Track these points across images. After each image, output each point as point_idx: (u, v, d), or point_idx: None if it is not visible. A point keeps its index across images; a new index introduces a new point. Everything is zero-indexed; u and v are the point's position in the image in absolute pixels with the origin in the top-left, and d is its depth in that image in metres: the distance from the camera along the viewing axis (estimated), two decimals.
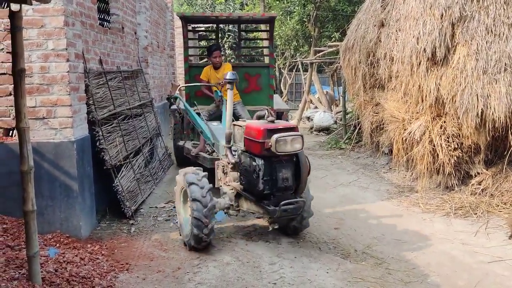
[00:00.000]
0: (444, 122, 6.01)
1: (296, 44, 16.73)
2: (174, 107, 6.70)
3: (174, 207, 5.61)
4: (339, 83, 15.60)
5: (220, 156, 5.00)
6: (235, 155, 4.52)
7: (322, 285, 3.68)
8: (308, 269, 3.96)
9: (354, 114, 9.92)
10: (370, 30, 7.27)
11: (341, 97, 12.20)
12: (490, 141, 5.76)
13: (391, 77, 6.84)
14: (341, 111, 11.53)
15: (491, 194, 5.66)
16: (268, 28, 7.97)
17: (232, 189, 4.51)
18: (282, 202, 3.92)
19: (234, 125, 4.48)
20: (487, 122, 5.50)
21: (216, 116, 6.35)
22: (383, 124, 7.41)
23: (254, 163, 3.99)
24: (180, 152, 7.25)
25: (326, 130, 12.15)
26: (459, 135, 5.91)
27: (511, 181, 5.69)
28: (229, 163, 4.49)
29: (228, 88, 4.37)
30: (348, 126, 10.41)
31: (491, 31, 5.69)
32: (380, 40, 7.05)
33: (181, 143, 7.13)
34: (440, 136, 5.97)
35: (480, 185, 5.82)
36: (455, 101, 5.70)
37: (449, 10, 5.86)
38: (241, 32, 9.84)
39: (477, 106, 5.49)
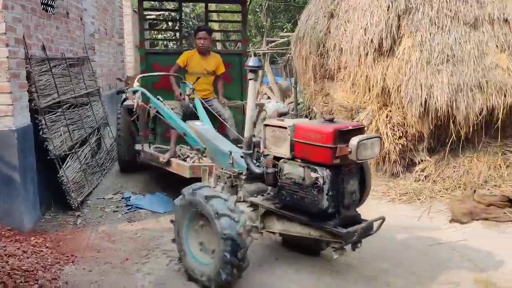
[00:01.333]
0: (390, 111, 6.20)
1: (249, 35, 16.72)
2: (128, 102, 5.93)
3: (124, 198, 5.51)
4: (291, 74, 15.74)
5: (217, 165, 4.08)
6: (256, 163, 3.59)
7: (292, 277, 3.71)
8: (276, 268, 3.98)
9: (305, 104, 10.05)
10: (320, 21, 7.35)
11: (293, 87, 12.32)
12: (433, 129, 5.99)
13: (340, 68, 6.96)
14: (293, 102, 11.64)
15: (434, 181, 5.90)
16: (240, 9, 6.84)
17: (251, 206, 3.54)
18: (362, 225, 3.08)
19: (267, 125, 3.36)
20: (430, 111, 5.72)
21: (189, 114, 5.24)
22: (333, 114, 7.54)
23: (313, 175, 3.00)
24: (130, 158, 6.31)
25: None
26: (404, 124, 6.11)
27: (452, 168, 5.95)
28: (240, 174, 3.63)
29: (250, 79, 3.44)
30: (299, 116, 10.53)
31: (435, 23, 5.91)
32: (329, 31, 7.15)
33: (137, 147, 5.94)
34: (386, 125, 6.15)
35: (424, 172, 6.05)
36: (400, 91, 5.88)
37: (395, 2, 6.02)
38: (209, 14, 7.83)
39: (421, 96, 5.69)
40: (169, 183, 5.68)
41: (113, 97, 9.00)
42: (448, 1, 5.93)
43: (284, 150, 3.24)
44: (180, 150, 5.49)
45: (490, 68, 5.70)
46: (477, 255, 4.03)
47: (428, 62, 5.75)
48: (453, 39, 5.76)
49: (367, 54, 6.22)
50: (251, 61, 3.39)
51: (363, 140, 2.97)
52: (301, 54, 7.80)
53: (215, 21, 9.27)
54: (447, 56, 5.72)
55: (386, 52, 6.12)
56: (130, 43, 14.79)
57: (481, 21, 5.90)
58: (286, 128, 3.21)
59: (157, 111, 4.88)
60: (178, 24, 7.65)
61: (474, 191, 5.28)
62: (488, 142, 6.04)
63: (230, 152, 3.78)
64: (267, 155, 3.40)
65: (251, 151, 3.56)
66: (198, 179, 4.45)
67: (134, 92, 4.81)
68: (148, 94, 4.91)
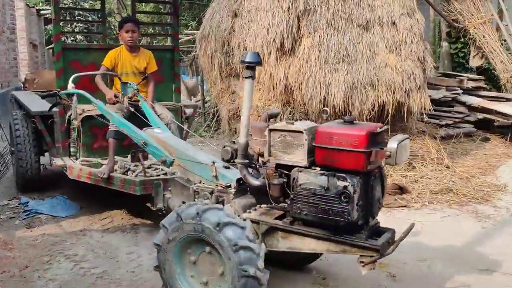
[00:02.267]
0: (293, 108, 6.48)
1: (153, 32, 16.40)
2: (37, 109, 5.14)
3: (21, 203, 5.18)
4: (197, 72, 15.72)
5: (192, 178, 3.46)
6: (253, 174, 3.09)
7: None
8: None
9: (213, 102, 10.13)
10: (225, 20, 7.46)
11: (199, 85, 12.34)
12: None
13: None
14: (200, 100, 11.66)
15: None
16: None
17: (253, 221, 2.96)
18: (401, 235, 2.81)
19: (273, 130, 2.88)
20: (329, 108, 6.08)
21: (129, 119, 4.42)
22: (239, 112, 7.69)
23: (340, 183, 2.64)
24: (34, 174, 5.37)
25: (186, 118, 12.18)
26: (306, 120, 6.42)
27: None
28: (228, 187, 3.11)
29: (247, 77, 2.89)
30: (207, 114, 10.59)
31: (331, 24, 6.27)
32: (234, 30, 7.27)
33: (57, 161, 5.01)
34: None
35: None
36: (302, 89, 6.17)
37: (295, 3, 6.29)
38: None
39: (320, 93, 6.02)
40: (72, 186, 5.44)
41: (6, 97, 8.36)
42: (343, 4, 6.33)
43: (298, 158, 2.81)
44: (116, 162, 4.71)
45: (381, 67, 6.20)
46: None
47: (326, 61, 6.09)
48: (347, 40, 6.17)
49: (270, 53, 6.43)
50: (249, 56, 2.85)
51: (401, 142, 2.69)
52: (206, 52, 7.84)
53: (143, 12, 7.63)
54: (343, 55, 6.11)
55: (288, 52, 6.37)
56: (24, 39, 13.83)
57: (372, 23, 6.39)
58: (302, 132, 2.77)
59: (101, 117, 4.32)
60: (100, 15, 6.46)
61: None
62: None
63: (213, 162, 3.24)
64: (264, 164, 2.96)
65: (247, 161, 3.03)
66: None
67: (69, 95, 4.15)
68: (90, 97, 4.27)
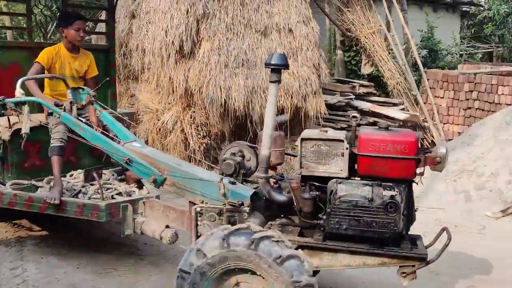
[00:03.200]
0: (194, 112, 6.42)
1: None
2: None
3: None
4: None
5: (192, 198, 2.94)
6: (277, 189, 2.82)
7: (72, 281, 3.51)
8: (57, 268, 3.72)
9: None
10: (122, 21, 7.21)
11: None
12: (233, 128, 6.42)
13: (144, 69, 6.93)
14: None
15: None
16: None
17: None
18: (446, 242, 2.63)
19: (306, 139, 2.64)
20: (230, 112, 6.12)
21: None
22: (138, 115, 7.46)
23: (387, 193, 2.52)
24: None
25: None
26: (207, 124, 6.40)
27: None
28: (241, 205, 2.73)
29: (272, 81, 2.60)
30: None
31: (231, 29, 6.33)
32: (132, 31, 7.06)
33: None
34: (191, 125, 6.35)
35: None
36: (202, 92, 6.14)
37: (194, 7, 6.26)
38: None
39: (221, 97, 6.04)
40: None
41: None
42: (242, 9, 6.42)
43: (336, 168, 2.61)
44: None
45: None
46: None
47: (226, 65, 6.13)
48: (246, 44, 6.26)
49: (169, 56, 6.33)
50: (275, 58, 2.59)
51: (447, 147, 2.58)
52: None
53: (75, 5, 6.67)
54: (242, 60, 6.19)
55: (188, 55, 6.32)
56: None
57: (270, 29, 6.56)
58: (342, 140, 2.56)
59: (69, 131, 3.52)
60: (26, 7, 5.34)
61: None
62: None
63: (221, 178, 2.80)
64: (281, 178, 2.71)
65: (269, 175, 2.75)
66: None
67: (17, 104, 3.36)
68: (49, 105, 3.50)
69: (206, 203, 2.82)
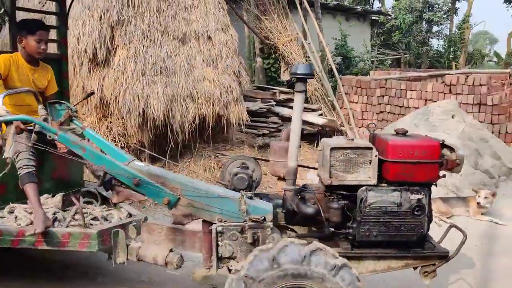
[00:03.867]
0: (110, 122, 6.15)
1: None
2: None
3: None
4: None
5: (210, 217, 2.72)
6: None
7: None
8: None
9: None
10: None
11: None
12: (153, 138, 6.22)
13: None
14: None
15: None
16: None
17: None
18: (463, 239, 2.75)
19: (335, 148, 2.64)
20: (149, 121, 5.92)
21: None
22: None
23: (414, 197, 2.59)
24: None
25: None
26: (125, 134, 6.15)
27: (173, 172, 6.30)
28: (264, 221, 2.61)
29: (299, 91, 2.57)
30: None
31: (147, 36, 6.15)
32: None
33: None
34: (107, 136, 6.06)
35: None
36: (119, 102, 5.90)
37: (108, 13, 6.01)
38: None
39: (139, 106, 5.83)
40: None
41: None
42: (158, 16, 6.26)
43: (365, 176, 2.63)
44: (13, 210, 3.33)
45: (199, 80, 6.29)
46: None
47: (143, 73, 5.93)
48: (164, 52, 6.11)
49: (82, 64, 6.02)
50: (301, 68, 2.56)
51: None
52: None
53: (25, 9, 5.67)
54: (161, 68, 6.03)
55: (102, 63, 6.04)
56: None
57: (188, 36, 6.46)
58: (371, 148, 2.61)
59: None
60: None
61: None
62: (203, 147, 6.64)
63: (242, 195, 2.64)
64: (300, 189, 2.69)
65: (297, 187, 2.70)
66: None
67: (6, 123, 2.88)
68: (44, 124, 2.94)
69: (225, 221, 2.65)
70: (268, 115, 8.89)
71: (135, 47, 6.00)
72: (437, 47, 23.93)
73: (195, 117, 6.18)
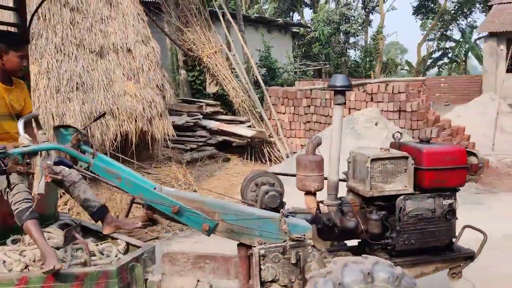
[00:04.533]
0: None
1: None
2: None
3: None
4: None
5: (250, 240, 2.56)
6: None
7: None
8: None
9: None
10: None
11: None
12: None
13: None
14: None
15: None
16: None
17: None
18: (484, 238, 2.82)
19: (375, 159, 2.63)
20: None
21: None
22: None
23: (446, 202, 2.71)
24: None
25: None
26: None
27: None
28: (304, 239, 2.52)
29: (338, 104, 2.63)
30: None
31: (61, 50, 5.72)
32: None
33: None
34: None
35: None
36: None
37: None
38: None
39: (53, 125, 5.37)
40: None
41: None
42: (72, 29, 5.86)
43: (402, 185, 2.66)
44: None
45: (120, 95, 5.94)
46: None
47: (57, 90, 5.49)
48: (80, 66, 5.71)
49: None
50: (339, 80, 2.60)
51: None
52: None
53: None
54: (77, 83, 5.62)
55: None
56: None
57: (106, 50, 6.10)
58: (407, 157, 2.65)
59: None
60: None
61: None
62: (127, 165, 6.25)
63: (282, 214, 2.51)
64: (342, 202, 2.67)
65: (340, 201, 2.70)
66: None
67: (23, 155, 2.49)
68: (77, 154, 2.59)
69: (264, 243, 2.51)
70: (195, 129, 8.67)
71: (47, 62, 5.54)
72: (354, 58, 25.04)
73: (116, 135, 5.81)
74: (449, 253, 2.78)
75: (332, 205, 2.66)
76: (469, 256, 2.78)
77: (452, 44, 29.90)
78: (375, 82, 8.20)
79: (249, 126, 8.89)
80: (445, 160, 2.69)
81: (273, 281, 2.47)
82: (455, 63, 30.55)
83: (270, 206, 2.69)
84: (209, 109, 9.08)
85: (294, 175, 2.78)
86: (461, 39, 28.72)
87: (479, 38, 28.74)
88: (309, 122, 8.66)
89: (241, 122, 9.01)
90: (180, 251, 2.77)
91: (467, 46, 28.01)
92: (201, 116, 8.76)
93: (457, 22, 29.41)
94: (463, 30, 29.01)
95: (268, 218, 2.56)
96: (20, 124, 2.66)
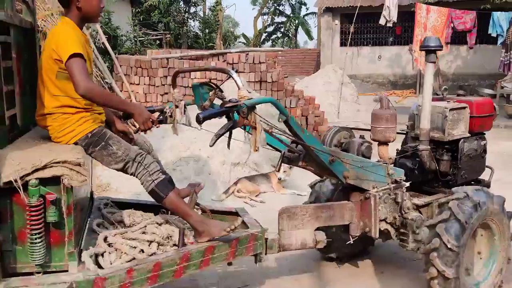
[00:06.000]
0: None
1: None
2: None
3: None
4: None
5: (365, 185, 2.94)
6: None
7: None
8: None
9: None
10: None
11: None
12: None
13: None
14: None
15: None
16: None
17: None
18: None
19: (452, 109, 3.16)
20: None
21: None
22: None
23: (483, 142, 3.39)
24: None
25: None
26: None
27: None
28: (400, 181, 2.99)
29: (430, 62, 3.02)
30: None
31: None
32: None
33: None
34: None
35: None
36: None
37: None
38: None
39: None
40: None
41: None
42: None
43: (461, 130, 3.25)
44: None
45: None
46: None
47: None
48: None
49: None
50: (431, 41, 3.00)
51: None
52: None
53: None
54: None
55: None
56: None
57: None
58: (466, 107, 3.23)
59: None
60: None
61: None
62: None
63: (390, 158, 3.09)
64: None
65: (432, 146, 3.20)
66: None
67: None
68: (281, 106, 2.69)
69: (376, 187, 2.91)
70: None
71: None
72: (193, 28, 24.68)
73: None
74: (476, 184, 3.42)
75: (425, 149, 3.09)
76: (486, 185, 3.48)
77: (284, 19, 31.66)
78: (235, 52, 8.04)
79: None
80: (485, 110, 3.34)
81: (383, 219, 2.88)
82: (287, 38, 32.46)
83: (366, 155, 3.03)
84: None
85: (368, 130, 3.28)
86: (291, 15, 30.53)
87: (307, 14, 31.02)
88: (166, 93, 8.16)
89: None
90: (297, 205, 2.94)
91: (297, 21, 29.92)
92: None
93: None
94: (293, 6, 30.87)
95: (378, 165, 3.00)
96: (236, 76, 2.49)
